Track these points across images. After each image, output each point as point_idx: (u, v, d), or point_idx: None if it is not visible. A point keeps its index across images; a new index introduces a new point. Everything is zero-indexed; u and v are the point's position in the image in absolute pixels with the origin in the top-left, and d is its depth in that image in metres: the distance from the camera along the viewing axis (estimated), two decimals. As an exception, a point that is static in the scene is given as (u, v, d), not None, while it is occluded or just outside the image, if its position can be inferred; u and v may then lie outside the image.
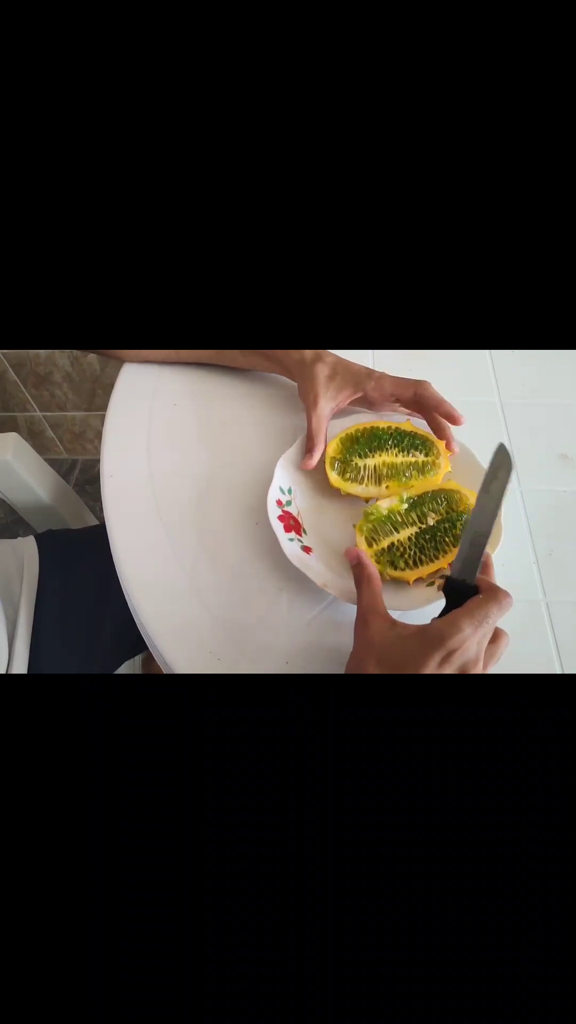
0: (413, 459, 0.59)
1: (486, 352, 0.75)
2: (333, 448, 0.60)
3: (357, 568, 0.49)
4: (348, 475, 0.59)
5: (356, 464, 0.60)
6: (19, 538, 0.80)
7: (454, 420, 0.59)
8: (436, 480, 0.59)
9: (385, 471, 0.59)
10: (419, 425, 0.61)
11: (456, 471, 0.60)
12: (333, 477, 0.59)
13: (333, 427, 0.62)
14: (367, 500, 0.59)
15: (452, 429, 0.59)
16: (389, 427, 0.61)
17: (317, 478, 0.61)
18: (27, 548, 0.78)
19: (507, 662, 0.43)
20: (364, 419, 0.63)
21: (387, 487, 0.58)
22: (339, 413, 0.64)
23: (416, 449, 0.60)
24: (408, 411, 0.63)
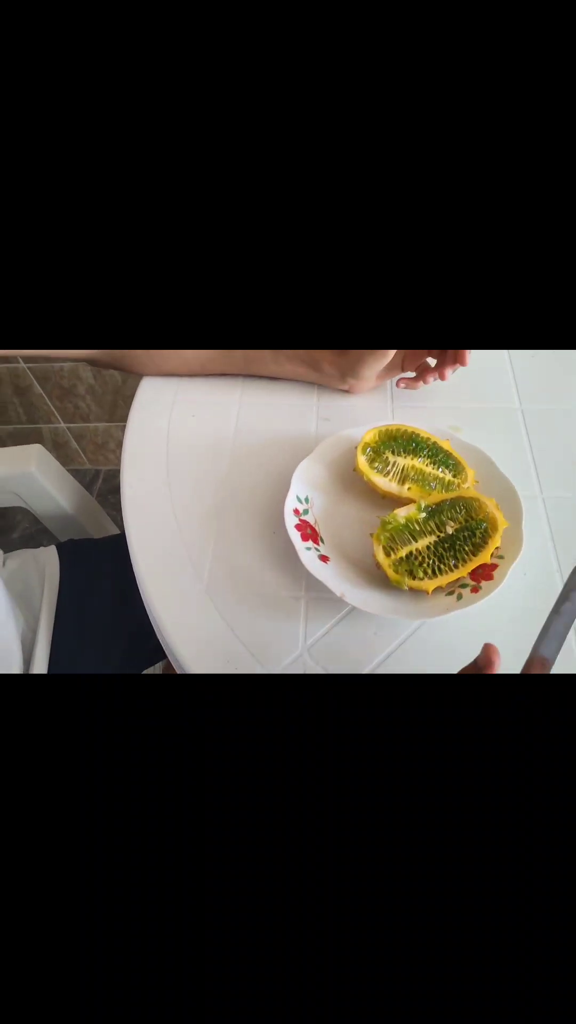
0: (441, 475, 0.59)
1: (505, 355, 0.74)
2: (370, 436, 0.61)
3: (487, 665, 0.40)
4: (376, 465, 0.60)
5: (387, 457, 0.60)
6: (41, 548, 0.82)
7: (462, 358, 0.63)
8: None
9: (412, 474, 0.59)
10: (456, 448, 0.61)
11: (477, 479, 0.59)
12: (361, 461, 0.59)
13: (378, 422, 0.63)
14: (383, 496, 0.59)
15: (484, 453, 0.61)
16: (429, 438, 0.61)
17: (334, 488, 0.61)
18: (48, 558, 0.80)
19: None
20: (410, 423, 0.63)
21: (408, 488, 0.58)
22: (383, 416, 0.68)
23: (447, 468, 0.60)
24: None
